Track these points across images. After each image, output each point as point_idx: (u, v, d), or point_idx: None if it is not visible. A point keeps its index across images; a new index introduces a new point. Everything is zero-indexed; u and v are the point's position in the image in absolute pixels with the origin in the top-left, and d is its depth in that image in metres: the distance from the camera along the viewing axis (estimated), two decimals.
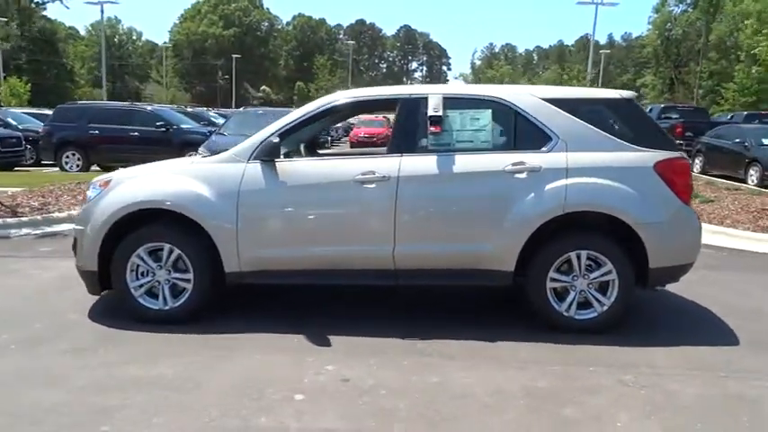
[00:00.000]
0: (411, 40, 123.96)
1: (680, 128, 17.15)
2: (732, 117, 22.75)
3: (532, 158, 3.99)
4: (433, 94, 4.11)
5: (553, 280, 4.02)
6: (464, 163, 4.01)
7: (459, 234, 4.03)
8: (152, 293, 4.22)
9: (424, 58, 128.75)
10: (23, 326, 4.14)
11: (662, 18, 73.02)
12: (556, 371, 3.52)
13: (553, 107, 4.09)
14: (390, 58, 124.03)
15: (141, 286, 4.17)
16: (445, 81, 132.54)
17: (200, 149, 9.99)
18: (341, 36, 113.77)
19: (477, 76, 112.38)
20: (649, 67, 73.54)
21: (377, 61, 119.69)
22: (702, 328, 4.27)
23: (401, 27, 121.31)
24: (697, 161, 15.33)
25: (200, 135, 13.21)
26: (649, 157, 4.00)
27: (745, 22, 60.17)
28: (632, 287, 4.01)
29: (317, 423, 2.90)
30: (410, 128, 4.14)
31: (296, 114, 4.23)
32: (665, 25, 72.71)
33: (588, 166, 3.95)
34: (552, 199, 3.92)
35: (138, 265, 4.15)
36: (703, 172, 14.79)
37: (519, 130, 4.12)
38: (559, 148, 4.00)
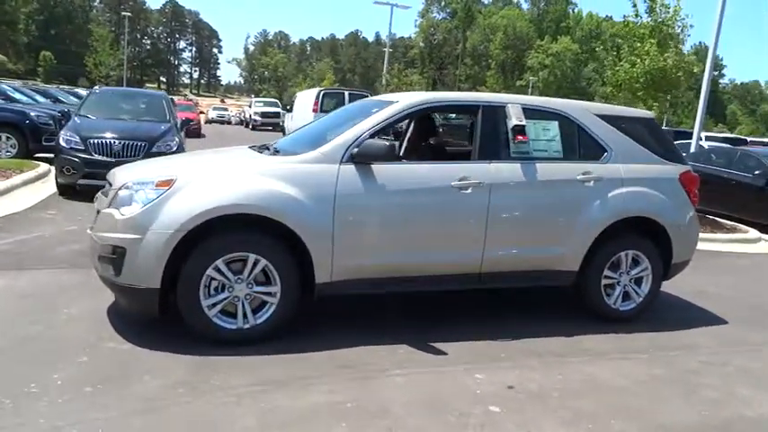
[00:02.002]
0: (179, 18, 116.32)
1: None
2: None
3: (596, 168, 4.43)
4: (513, 104, 4.29)
5: (606, 277, 4.53)
6: (544, 171, 4.28)
7: (538, 238, 4.30)
8: (224, 311, 3.67)
9: (194, 39, 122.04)
10: (68, 363, 3.28)
11: (426, 23, 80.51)
12: (645, 358, 4.01)
13: (603, 122, 4.58)
14: (156, 35, 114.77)
15: (216, 304, 3.60)
16: (217, 65, 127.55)
17: (65, 134, 8.42)
18: (96, 3, 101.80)
19: (252, 61, 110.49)
20: (416, 68, 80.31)
21: (139, 36, 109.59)
22: (696, 314, 5.17)
23: (167, 2, 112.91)
24: None
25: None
26: (675, 169, 4.75)
27: (494, 35, 69.63)
28: (660, 280, 4.73)
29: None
30: (495, 135, 4.25)
31: (381, 117, 4.02)
32: (430, 30, 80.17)
33: (636, 177, 4.53)
34: (614, 206, 4.41)
35: (211, 280, 3.57)
36: None
37: (581, 142, 4.53)
38: (613, 160, 4.51)
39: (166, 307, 3.62)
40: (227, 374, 3.27)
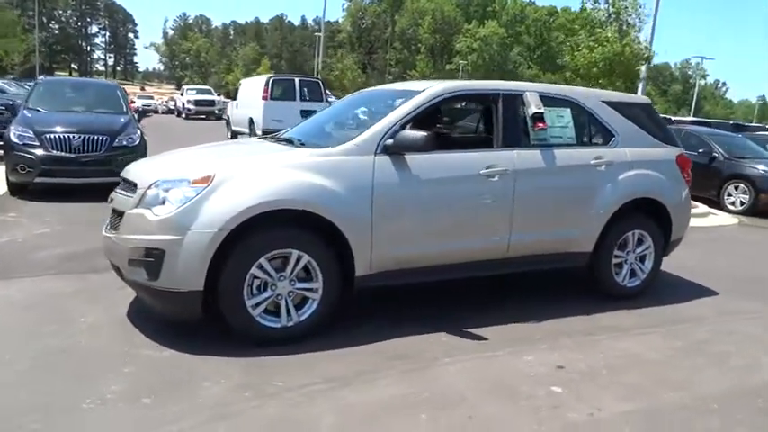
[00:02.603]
0: (89, 0, 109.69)
1: None
2: None
3: (606, 153, 4.61)
4: (531, 92, 4.37)
5: (615, 256, 4.74)
6: (561, 157, 4.40)
7: (558, 221, 4.43)
8: (267, 310, 3.58)
9: (107, 23, 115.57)
10: (113, 375, 3.12)
11: (354, 7, 79.93)
12: (662, 332, 4.24)
13: (609, 108, 4.76)
14: (64, 19, 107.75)
15: (259, 303, 3.51)
16: (133, 50, 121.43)
17: (15, 129, 7.85)
18: None
19: (172, 47, 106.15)
20: (345, 52, 79.63)
21: (45, 20, 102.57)
22: (686, 288, 5.48)
23: None
24: None
25: None
26: (672, 151, 5.01)
27: (423, 19, 70.08)
28: (661, 257, 4.99)
29: (618, 407, 3.07)
30: (516, 123, 4.33)
31: (410, 107, 4.00)
32: (358, 14, 79.66)
33: (641, 160, 4.75)
34: (624, 188, 4.62)
35: (254, 278, 3.48)
36: None
37: (590, 128, 4.70)
38: (620, 144, 4.71)
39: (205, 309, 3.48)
40: (286, 374, 3.21)
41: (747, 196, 10.32)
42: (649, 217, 4.87)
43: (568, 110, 4.58)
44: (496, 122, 4.29)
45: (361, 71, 71.38)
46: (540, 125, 4.27)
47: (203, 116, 30.12)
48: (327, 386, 3.10)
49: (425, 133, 3.71)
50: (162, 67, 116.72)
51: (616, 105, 4.82)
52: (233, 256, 3.38)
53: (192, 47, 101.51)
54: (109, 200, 3.90)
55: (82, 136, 7.85)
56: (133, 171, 3.83)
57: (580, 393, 3.19)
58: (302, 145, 4.01)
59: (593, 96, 4.77)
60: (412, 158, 3.85)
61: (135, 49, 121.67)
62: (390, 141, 3.77)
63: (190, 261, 3.31)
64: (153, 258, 3.35)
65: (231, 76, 76.76)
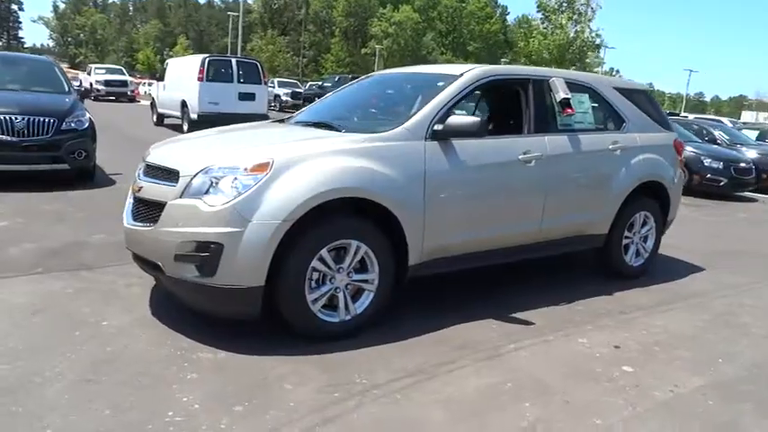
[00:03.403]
0: None
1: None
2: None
3: (620, 138, 4.75)
4: (557, 77, 4.41)
5: (625, 237, 4.93)
6: (585, 142, 4.49)
7: (582, 205, 4.53)
8: (325, 304, 3.42)
9: None
10: (182, 384, 2.86)
11: None
12: (684, 307, 4.47)
13: (619, 94, 4.91)
14: None
15: (319, 298, 3.34)
16: (18, 24, 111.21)
17: None
18: None
19: (64, 21, 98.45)
20: (256, 33, 77.38)
21: None
22: (675, 265, 5.78)
23: None
24: None
25: None
26: (670, 135, 5.25)
27: (337, 2, 69.17)
28: (660, 237, 5.24)
29: (691, 383, 3.19)
30: (545, 108, 4.35)
31: (452, 91, 3.89)
32: None
33: (649, 144, 4.94)
34: (636, 172, 4.79)
35: (314, 271, 3.30)
36: None
37: (606, 113, 4.82)
38: (630, 130, 4.87)
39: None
40: (364, 371, 3.06)
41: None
42: (652, 198, 5.07)
43: (587, 95, 4.67)
44: (527, 108, 4.29)
45: (293, 54, 69.41)
46: (569, 111, 4.32)
47: (113, 98, 28.13)
48: (413, 380, 2.99)
49: (478, 119, 3.64)
50: (52, 44, 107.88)
51: (624, 91, 4.97)
52: (295, 248, 3.16)
53: (87, 22, 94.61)
54: (136, 189, 3.53)
55: (26, 118, 7.09)
56: (167, 156, 3.49)
57: (650, 371, 3.28)
58: (338, 129, 3.80)
59: (606, 82, 4.89)
60: (459, 144, 3.77)
61: (20, 22, 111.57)
62: (440, 126, 3.67)
63: (252, 255, 3.07)
64: (209, 253, 3.07)
65: (142, 54, 72.29)
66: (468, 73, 4.05)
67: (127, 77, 29.77)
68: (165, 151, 3.63)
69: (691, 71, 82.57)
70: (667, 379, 3.20)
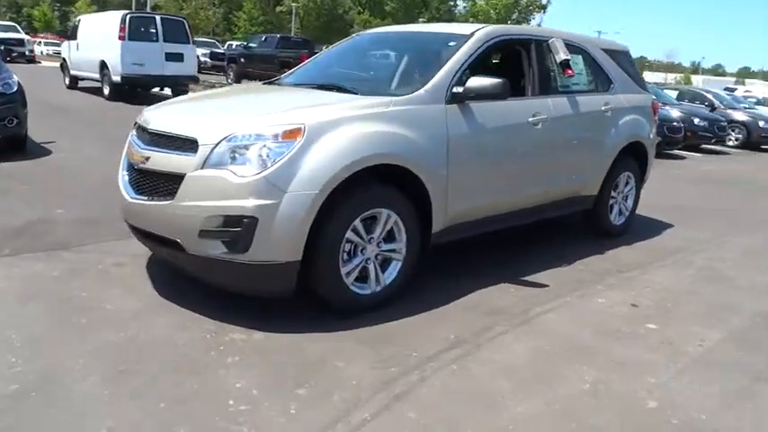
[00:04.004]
0: None
1: (305, 58, 18.81)
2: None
3: (610, 99, 4.84)
4: (556, 38, 4.39)
5: (611, 197, 5.08)
6: (582, 103, 4.53)
7: (580, 166, 4.59)
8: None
9: None
10: (227, 369, 2.66)
11: None
12: (672, 264, 4.69)
13: (606, 55, 4.97)
14: None
15: (352, 270, 3.20)
16: None
17: None
18: None
19: None
20: None
21: None
22: (645, 222, 6.01)
23: None
24: None
25: None
26: (648, 97, 5.41)
27: None
28: (638, 196, 5.44)
29: (713, 336, 3.34)
30: (546, 70, 4.33)
31: (466, 51, 3.77)
32: None
33: (633, 105, 5.07)
34: (624, 133, 4.91)
35: (347, 243, 3.16)
36: None
37: (596, 75, 4.87)
38: (617, 91, 4.97)
39: None
40: (409, 343, 2.98)
41: None
42: (633, 158, 5.24)
43: (580, 57, 4.70)
44: (530, 69, 4.24)
45: (179, 9, 65.50)
46: (569, 72, 4.32)
47: (8, 58, 25.52)
48: (462, 350, 2.95)
49: (501, 80, 3.55)
50: None
51: (609, 52, 5.04)
52: (332, 219, 2.99)
53: None
54: (140, 159, 3.20)
55: None
56: (177, 123, 3.17)
57: (673, 328, 3.41)
58: (358, 93, 3.60)
59: (594, 43, 4.93)
60: (475, 107, 3.68)
61: None
62: (460, 89, 3.55)
63: (288, 228, 2.87)
64: (241, 228, 2.84)
65: (38, 11, 65.92)
66: (479, 32, 3.93)
67: (23, 35, 27.13)
68: (171, 117, 3.30)
69: (599, 32, 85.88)
70: (691, 334, 3.34)
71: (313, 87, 3.88)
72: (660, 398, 2.64)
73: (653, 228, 5.72)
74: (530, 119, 4.02)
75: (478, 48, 3.83)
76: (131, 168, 3.34)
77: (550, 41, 4.32)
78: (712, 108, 14.51)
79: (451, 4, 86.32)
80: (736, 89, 25.88)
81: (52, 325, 2.95)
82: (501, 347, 3.01)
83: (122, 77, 13.01)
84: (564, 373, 2.80)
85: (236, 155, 2.90)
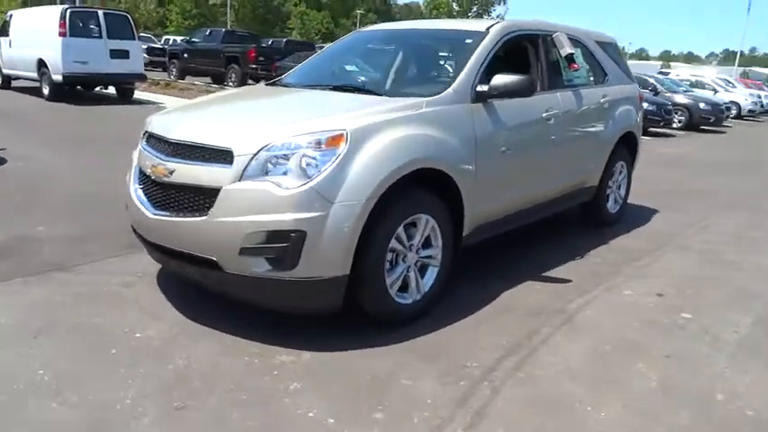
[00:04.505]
0: None
1: (253, 53, 18.33)
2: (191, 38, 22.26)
3: (607, 91, 4.89)
4: (560, 32, 4.37)
5: (608, 187, 5.15)
6: (585, 96, 4.55)
7: (584, 158, 4.63)
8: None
9: None
10: (296, 397, 2.51)
11: None
12: (673, 248, 4.80)
13: (599, 47, 5.02)
14: None
15: (396, 280, 3.09)
16: None
17: None
18: None
19: None
20: None
21: None
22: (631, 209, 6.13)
23: None
24: None
25: None
26: (635, 87, 5.50)
27: None
28: (630, 184, 5.55)
29: (743, 321, 3.42)
30: (553, 64, 4.31)
31: (485, 48, 3.68)
32: None
33: (625, 96, 5.15)
34: (620, 123, 4.99)
35: (389, 252, 3.04)
36: None
37: (593, 67, 4.90)
38: (612, 82, 5.03)
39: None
40: (463, 353, 2.89)
41: None
42: (625, 148, 5.33)
43: (579, 50, 4.70)
44: (539, 64, 4.21)
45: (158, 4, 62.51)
46: (575, 66, 4.33)
47: None
48: (520, 356, 2.89)
49: (526, 77, 3.49)
50: None
51: (602, 45, 5.09)
52: (378, 228, 2.86)
53: None
54: (163, 172, 2.95)
55: None
56: (204, 132, 2.94)
57: (706, 315, 3.48)
58: (384, 94, 3.47)
59: (589, 35, 4.96)
60: (498, 104, 3.62)
61: None
62: (484, 87, 3.48)
63: (337, 241, 2.72)
64: (288, 243, 2.67)
65: None
66: (494, 28, 3.86)
67: None
68: (197, 125, 3.06)
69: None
70: (724, 321, 3.41)
71: (328, 89, 3.71)
72: (724, 389, 2.67)
73: (640, 214, 5.85)
74: (543, 114, 4.00)
75: (495, 44, 3.76)
76: (149, 181, 3.08)
77: (554, 35, 4.30)
78: (656, 92, 15.10)
79: None
80: (668, 73, 26.98)
81: (81, 359, 2.70)
82: (556, 350, 2.97)
83: (64, 76, 12.26)
84: (625, 371, 2.79)
85: (277, 165, 2.73)
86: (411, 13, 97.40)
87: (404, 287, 3.14)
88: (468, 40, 3.77)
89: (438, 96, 3.33)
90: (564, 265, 4.23)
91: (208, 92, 15.38)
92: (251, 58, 18.01)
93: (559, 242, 4.77)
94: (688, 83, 20.88)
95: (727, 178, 8.68)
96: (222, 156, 2.78)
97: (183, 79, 19.94)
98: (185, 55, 20.29)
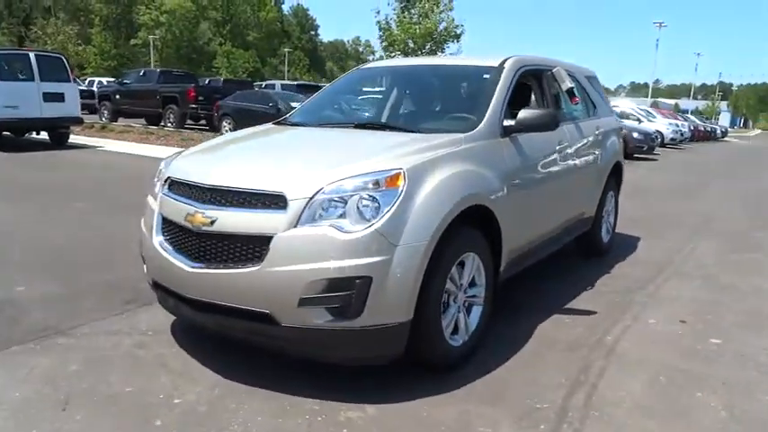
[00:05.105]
0: None
1: (192, 92, 17.89)
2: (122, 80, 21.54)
3: (599, 123, 5.05)
4: (560, 67, 4.49)
5: (602, 216, 5.28)
6: (584, 129, 4.67)
7: (586, 190, 4.73)
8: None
9: None
10: None
11: None
12: (672, 273, 4.94)
13: (588, 81, 5.20)
14: None
15: (450, 322, 2.99)
16: None
17: None
18: None
19: None
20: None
21: None
22: None
23: None
24: (225, 123, 16.72)
25: None
26: (616, 118, 5.72)
27: None
28: (617, 212, 5.71)
29: (763, 344, 3.53)
30: (557, 98, 4.41)
31: (505, 83, 3.70)
32: None
33: (611, 128, 5.34)
34: (610, 154, 5.16)
35: (443, 293, 2.94)
36: None
37: (584, 101, 5.05)
38: (600, 115, 5.21)
39: None
40: (531, 395, 2.80)
41: None
42: (614, 178, 5.49)
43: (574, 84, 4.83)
44: (543, 97, 4.28)
45: (19, 43, 59.87)
46: (576, 99, 4.44)
47: None
48: (585, 393, 2.84)
49: (550, 111, 3.53)
50: None
51: (590, 79, 5.27)
52: (437, 269, 2.76)
53: None
54: (202, 221, 2.73)
55: None
56: (248, 176, 2.75)
57: (734, 340, 3.56)
58: (415, 131, 3.40)
59: (581, 70, 5.12)
60: (521, 138, 3.63)
61: None
62: (511, 122, 3.49)
63: (403, 285, 2.60)
64: (353, 290, 2.51)
65: None
66: (508, 63, 3.89)
67: None
68: (233, 169, 2.86)
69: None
70: (752, 344, 3.50)
71: (349, 127, 3.60)
72: None
73: (628, 241, 6.01)
74: (557, 147, 4.05)
75: (512, 79, 3.79)
76: (181, 232, 2.84)
77: (555, 70, 4.40)
78: None
79: (312, 33, 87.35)
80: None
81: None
82: (615, 385, 2.93)
83: None
84: (690, 402, 2.79)
85: (334, 208, 2.58)
86: (337, 50, 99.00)
87: (454, 329, 3.02)
88: (486, 75, 3.78)
89: (473, 132, 3.30)
90: (579, 296, 4.25)
91: (150, 134, 14.83)
92: (191, 97, 17.56)
93: (564, 274, 4.80)
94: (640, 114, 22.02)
95: (688, 203, 9.12)
96: (273, 201, 2.61)
97: (115, 121, 19.16)
98: (117, 96, 19.55)
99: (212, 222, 2.69)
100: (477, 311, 3.20)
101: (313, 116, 4.03)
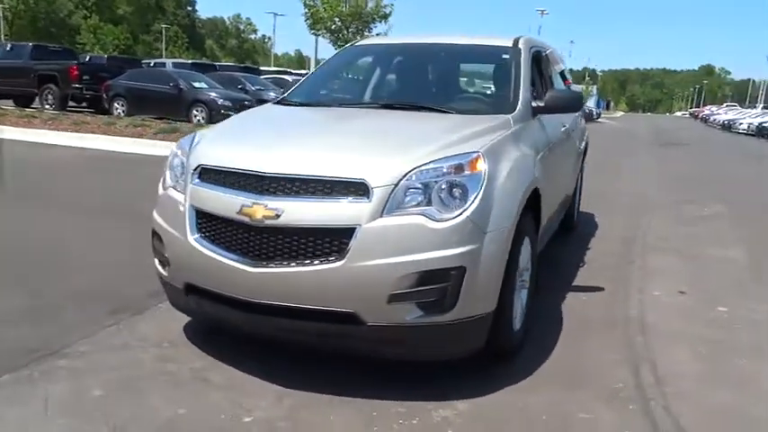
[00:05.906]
0: None
1: (75, 70, 16.15)
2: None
3: None
4: (552, 50, 4.51)
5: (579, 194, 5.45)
6: None
7: (573, 171, 4.84)
8: None
9: None
10: None
11: None
12: (651, 248, 5.22)
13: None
14: None
15: (517, 308, 2.92)
16: None
17: None
18: None
19: None
20: None
21: None
22: None
23: None
24: (117, 105, 15.33)
25: None
26: None
27: None
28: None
29: (763, 309, 3.82)
30: (553, 80, 4.42)
31: (527, 65, 3.62)
32: None
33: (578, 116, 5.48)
34: (582, 135, 5.34)
35: None
36: (129, 114, 14.68)
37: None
38: None
39: None
40: (609, 374, 2.82)
41: (205, 114, 14.07)
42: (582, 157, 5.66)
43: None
44: (542, 80, 4.28)
45: None
46: (568, 81, 4.51)
47: None
48: (648, 369, 2.89)
49: (577, 92, 3.54)
50: None
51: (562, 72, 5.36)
52: (514, 255, 2.66)
53: None
54: (267, 214, 2.41)
55: None
56: (323, 162, 2.46)
57: (738, 307, 3.80)
58: (452, 112, 3.25)
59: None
60: (545, 120, 3.61)
61: None
62: (540, 103, 3.44)
63: (491, 274, 2.48)
64: (448, 282, 2.35)
65: None
66: (521, 42, 3.80)
67: None
68: (297, 154, 2.54)
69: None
70: (754, 309, 3.77)
71: (375, 107, 3.37)
72: None
73: (587, 218, 6.22)
74: (562, 129, 4.09)
75: (531, 59, 3.75)
76: (234, 228, 2.49)
77: (549, 52, 4.42)
78: None
79: (189, 9, 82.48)
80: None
81: None
82: (667, 359, 3.00)
83: None
84: (742, 370, 2.93)
85: (418, 195, 2.38)
86: (216, 27, 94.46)
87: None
88: (506, 56, 3.69)
89: (515, 113, 3.21)
90: (579, 274, 4.34)
91: (33, 117, 13.13)
92: (73, 76, 15.84)
93: (548, 254, 4.85)
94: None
95: (608, 181, 9.35)
96: (354, 189, 2.35)
97: None
98: None
99: (277, 215, 2.37)
100: (524, 294, 3.13)
101: (326, 96, 3.72)
